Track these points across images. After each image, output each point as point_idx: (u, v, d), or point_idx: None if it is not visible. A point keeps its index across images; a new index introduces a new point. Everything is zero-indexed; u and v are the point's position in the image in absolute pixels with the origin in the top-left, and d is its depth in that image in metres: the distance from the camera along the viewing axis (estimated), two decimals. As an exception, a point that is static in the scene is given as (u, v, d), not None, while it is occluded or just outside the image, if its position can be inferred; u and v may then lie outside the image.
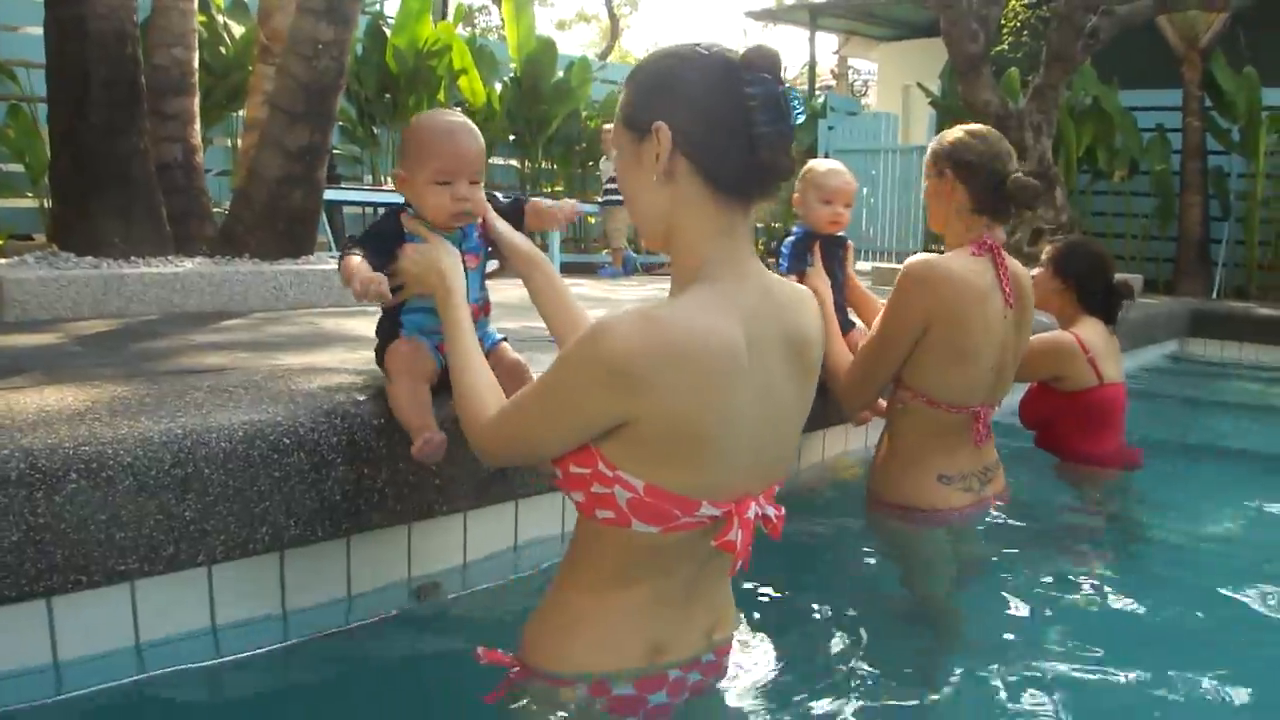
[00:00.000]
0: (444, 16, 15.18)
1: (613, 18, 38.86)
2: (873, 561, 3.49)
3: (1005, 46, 12.99)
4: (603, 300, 6.99)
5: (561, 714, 2.01)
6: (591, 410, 1.84)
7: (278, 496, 2.52)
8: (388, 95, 12.00)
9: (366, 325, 4.01)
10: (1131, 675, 2.55)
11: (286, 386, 2.85)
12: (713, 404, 1.82)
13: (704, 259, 1.92)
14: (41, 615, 2.27)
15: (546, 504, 3.21)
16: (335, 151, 10.62)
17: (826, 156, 13.65)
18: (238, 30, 10.07)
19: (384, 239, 2.59)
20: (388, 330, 2.71)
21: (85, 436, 2.27)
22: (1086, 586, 3.29)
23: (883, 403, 3.84)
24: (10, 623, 2.21)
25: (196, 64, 6.50)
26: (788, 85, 1.89)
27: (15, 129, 8.75)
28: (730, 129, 1.86)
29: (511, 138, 13.44)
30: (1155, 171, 12.18)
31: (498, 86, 13.25)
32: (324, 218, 8.18)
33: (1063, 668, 2.59)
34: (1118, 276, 4.62)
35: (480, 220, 2.67)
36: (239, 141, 9.02)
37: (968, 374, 3.43)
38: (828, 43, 29.02)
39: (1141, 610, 3.08)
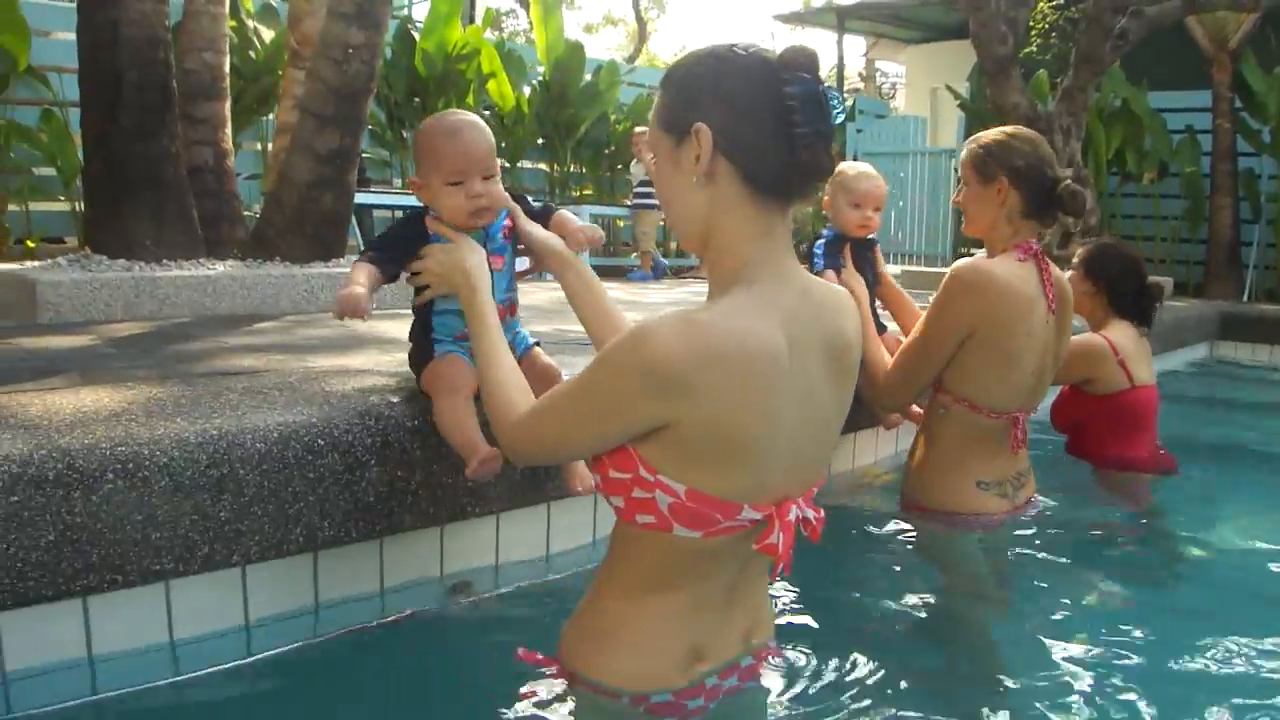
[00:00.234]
0: (472, 20, 15.22)
1: (640, 21, 38.92)
2: (907, 566, 3.47)
3: (1034, 48, 12.96)
4: (632, 304, 6.99)
5: None
6: (629, 414, 1.83)
7: (312, 497, 2.53)
8: (417, 99, 12.01)
9: (398, 328, 4.02)
10: (1166, 682, 2.54)
11: (320, 388, 2.87)
12: (754, 407, 1.81)
13: (743, 261, 1.90)
14: (78, 614, 2.28)
15: (578, 506, 3.20)
16: (365, 155, 10.67)
17: (855, 159, 13.63)
18: (267, 35, 10.13)
19: (402, 242, 2.62)
20: (420, 336, 2.71)
21: (122, 437, 2.28)
22: (1121, 594, 3.27)
23: (914, 408, 3.83)
24: (47, 621, 2.23)
25: (227, 68, 6.55)
26: (826, 84, 1.87)
27: (48, 133, 8.82)
28: (770, 129, 1.84)
29: (540, 141, 13.47)
30: (1185, 174, 12.12)
31: (526, 90, 13.26)
32: (354, 221, 8.20)
33: (1098, 674, 2.56)
34: (1149, 278, 4.59)
35: (508, 222, 2.68)
36: (269, 145, 9.07)
37: (1011, 380, 3.40)
38: (856, 45, 28.94)
39: (1178, 617, 3.06)
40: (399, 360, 3.19)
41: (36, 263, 5.45)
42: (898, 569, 3.45)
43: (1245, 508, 4.20)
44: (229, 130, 6.53)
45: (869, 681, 2.45)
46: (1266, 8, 10.43)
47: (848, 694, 2.36)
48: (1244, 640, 2.81)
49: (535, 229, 2.71)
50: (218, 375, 3.06)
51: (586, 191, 14.17)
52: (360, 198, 8.19)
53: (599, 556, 2.21)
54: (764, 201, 1.90)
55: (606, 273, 11.46)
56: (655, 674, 2.00)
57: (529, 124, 12.94)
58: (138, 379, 2.93)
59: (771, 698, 2.25)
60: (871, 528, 3.68)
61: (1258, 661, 2.69)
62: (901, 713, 2.34)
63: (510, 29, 36.12)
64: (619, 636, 2.03)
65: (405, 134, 12.20)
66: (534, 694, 2.11)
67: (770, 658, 2.26)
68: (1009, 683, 2.56)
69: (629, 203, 12.08)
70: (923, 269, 11.90)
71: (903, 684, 2.47)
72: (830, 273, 3.79)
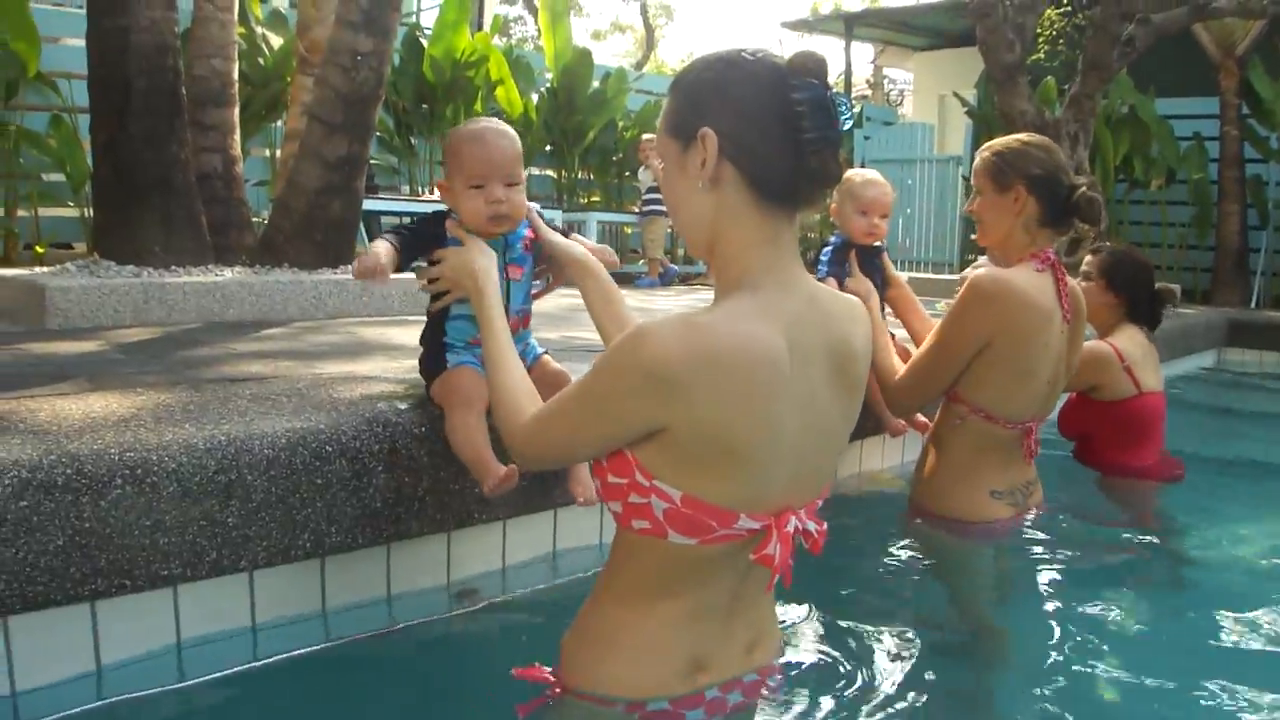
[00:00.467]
0: (480, 27, 15.23)
1: (648, 28, 38.99)
2: (917, 574, 3.46)
3: (1041, 55, 12.93)
4: (640, 310, 6.96)
5: None
6: (629, 416, 1.82)
7: (319, 503, 2.54)
8: (425, 106, 12.02)
9: (406, 334, 4.04)
10: (1173, 691, 2.53)
11: (328, 395, 2.87)
12: (752, 412, 1.79)
13: (748, 267, 1.89)
14: (86, 619, 2.28)
15: (585, 512, 3.20)
16: (373, 162, 10.68)
17: (863, 166, 13.62)
18: (276, 41, 10.13)
19: (422, 238, 2.63)
20: (432, 342, 2.72)
21: (130, 443, 2.29)
22: (1131, 603, 3.26)
23: (920, 416, 3.83)
24: (55, 625, 2.23)
25: (236, 75, 6.56)
26: (835, 90, 1.86)
27: (57, 139, 8.83)
28: (777, 134, 1.84)
29: (548, 148, 13.46)
30: (1192, 180, 12.12)
31: (534, 97, 13.26)
32: (362, 228, 8.21)
33: (1110, 683, 2.57)
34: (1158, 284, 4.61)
35: (529, 233, 2.69)
36: (278, 152, 9.07)
37: (1027, 390, 3.39)
38: (863, 53, 28.96)
39: (1185, 627, 3.05)
40: (406, 367, 3.20)
41: (46, 268, 5.46)
42: (908, 578, 3.44)
43: (1253, 515, 4.19)
44: (238, 137, 6.53)
45: (880, 695, 2.41)
46: (1273, 14, 10.42)
47: (860, 709, 2.33)
48: (1255, 648, 2.82)
49: (557, 237, 2.73)
50: (226, 381, 3.06)
51: (594, 198, 14.17)
52: (368, 204, 8.19)
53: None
54: (770, 208, 1.89)
55: (614, 280, 11.44)
56: (653, 681, 1.98)
57: (537, 131, 12.94)
58: (146, 385, 2.94)
59: (777, 714, 2.20)
60: (881, 536, 3.66)
61: (1269, 670, 2.69)
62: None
63: (518, 36, 36.20)
64: (618, 642, 2.01)
65: (413, 141, 12.21)
66: (532, 704, 2.09)
67: (776, 674, 2.21)
68: (1016, 695, 2.55)
69: (637, 210, 12.07)
70: (930, 276, 11.89)
71: (912, 698, 2.43)
72: (833, 280, 3.78)
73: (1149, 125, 11.99)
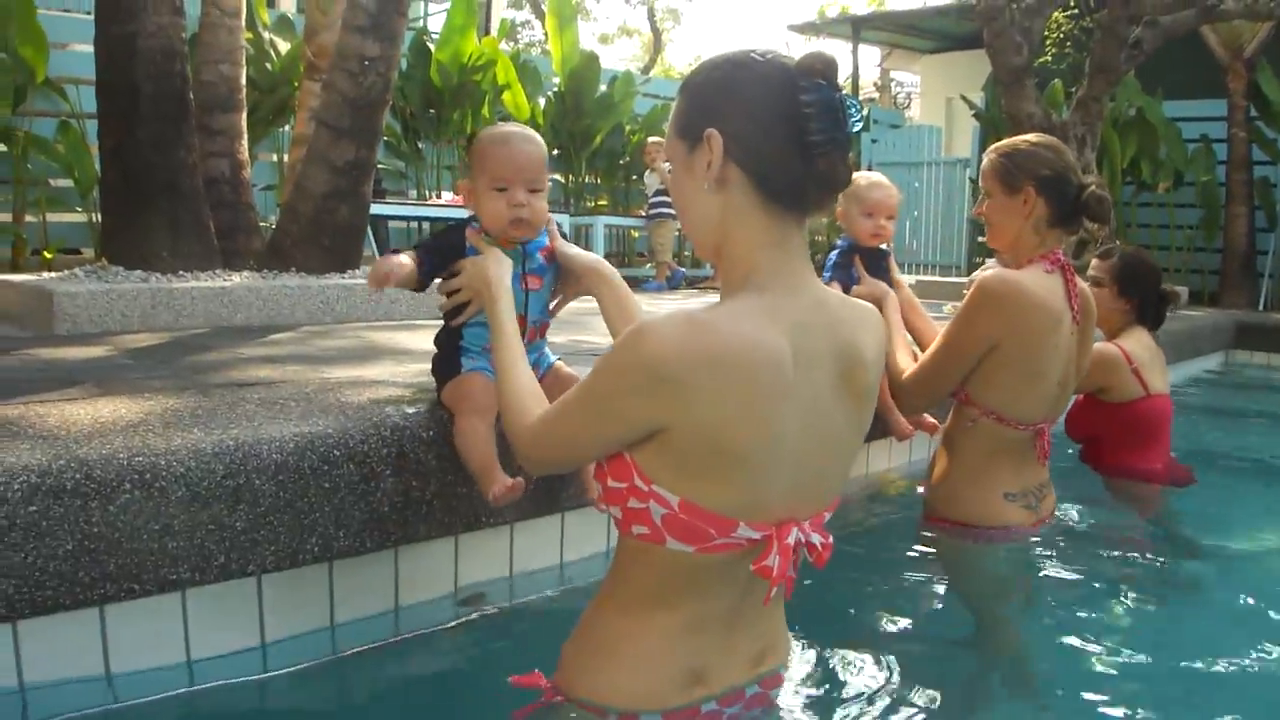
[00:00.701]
0: (488, 32, 15.25)
1: (655, 32, 38.99)
2: (930, 578, 3.45)
3: (1049, 58, 12.92)
4: (648, 314, 6.99)
5: None
6: (631, 414, 1.79)
7: (327, 508, 2.54)
8: (432, 110, 12.04)
9: (414, 339, 4.04)
10: (1188, 693, 2.53)
11: (336, 399, 2.88)
12: (753, 414, 1.76)
13: (753, 268, 1.87)
14: (94, 623, 2.29)
15: (593, 516, 3.21)
16: (380, 167, 10.69)
17: (869, 169, 13.62)
18: (283, 47, 10.15)
19: (445, 251, 2.63)
20: (447, 345, 2.72)
21: (139, 447, 2.30)
22: (1144, 606, 3.25)
23: (927, 418, 3.82)
24: (64, 630, 2.24)
25: (244, 80, 6.58)
26: (844, 92, 1.84)
27: (65, 144, 8.85)
28: (784, 136, 1.81)
29: (555, 152, 13.46)
30: (1200, 183, 12.11)
31: (541, 101, 13.28)
32: (369, 232, 8.22)
33: (1124, 686, 2.57)
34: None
35: (549, 244, 2.68)
36: (285, 157, 9.10)
37: (1038, 391, 3.38)
38: (871, 56, 28.85)
39: (1196, 631, 3.04)
40: (414, 371, 3.20)
41: (54, 274, 5.48)
42: (923, 583, 3.43)
43: (1261, 517, 4.19)
44: (245, 142, 6.56)
45: (892, 703, 2.40)
46: (1281, 16, 10.42)
47: (871, 715, 2.33)
48: (1266, 654, 2.81)
49: (572, 247, 2.72)
50: (234, 386, 3.07)
51: (601, 202, 14.17)
52: (376, 209, 8.20)
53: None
54: (777, 210, 1.86)
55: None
56: (649, 692, 1.94)
57: (544, 135, 12.90)
58: (154, 390, 2.95)
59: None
60: (894, 541, 3.66)
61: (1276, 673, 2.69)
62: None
63: (525, 40, 36.16)
64: (618, 652, 1.98)
65: (421, 145, 12.23)
66: (526, 710, 2.06)
67: (781, 685, 2.16)
68: (1038, 698, 2.55)
69: (644, 213, 12.08)
70: (937, 279, 11.89)
71: (930, 703, 2.42)
72: (837, 284, 3.76)
73: (1156, 128, 11.97)
